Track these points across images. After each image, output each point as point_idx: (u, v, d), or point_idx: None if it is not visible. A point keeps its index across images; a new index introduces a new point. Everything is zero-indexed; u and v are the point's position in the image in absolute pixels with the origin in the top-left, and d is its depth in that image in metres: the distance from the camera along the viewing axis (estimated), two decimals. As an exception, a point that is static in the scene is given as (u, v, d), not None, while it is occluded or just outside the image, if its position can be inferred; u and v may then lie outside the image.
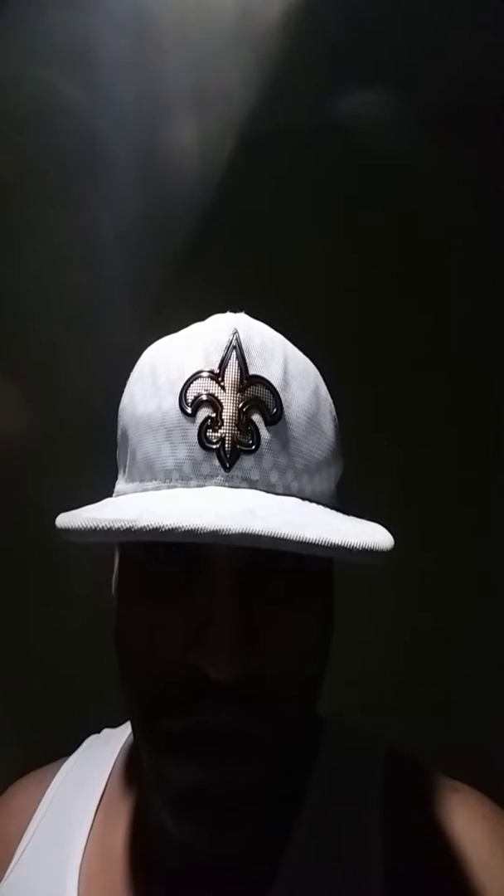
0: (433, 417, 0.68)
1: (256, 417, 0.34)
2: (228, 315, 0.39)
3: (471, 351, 0.68)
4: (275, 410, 0.35)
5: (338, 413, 0.40)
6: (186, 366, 0.35)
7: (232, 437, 0.34)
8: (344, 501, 0.40)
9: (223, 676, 0.32)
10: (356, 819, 0.40)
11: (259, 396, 0.35)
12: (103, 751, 0.49)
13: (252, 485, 0.34)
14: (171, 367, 0.36)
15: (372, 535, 0.32)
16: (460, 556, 0.67)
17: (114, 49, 0.68)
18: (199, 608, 0.33)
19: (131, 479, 0.37)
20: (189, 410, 0.34)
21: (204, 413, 0.34)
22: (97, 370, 0.58)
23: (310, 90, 0.67)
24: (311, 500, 0.35)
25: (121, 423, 0.39)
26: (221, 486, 0.33)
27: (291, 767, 0.37)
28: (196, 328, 0.39)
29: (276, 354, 0.37)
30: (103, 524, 0.30)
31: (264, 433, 0.34)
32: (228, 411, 0.34)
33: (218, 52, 0.67)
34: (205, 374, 0.35)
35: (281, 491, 0.34)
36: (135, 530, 0.29)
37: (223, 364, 0.35)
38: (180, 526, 0.29)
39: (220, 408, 0.34)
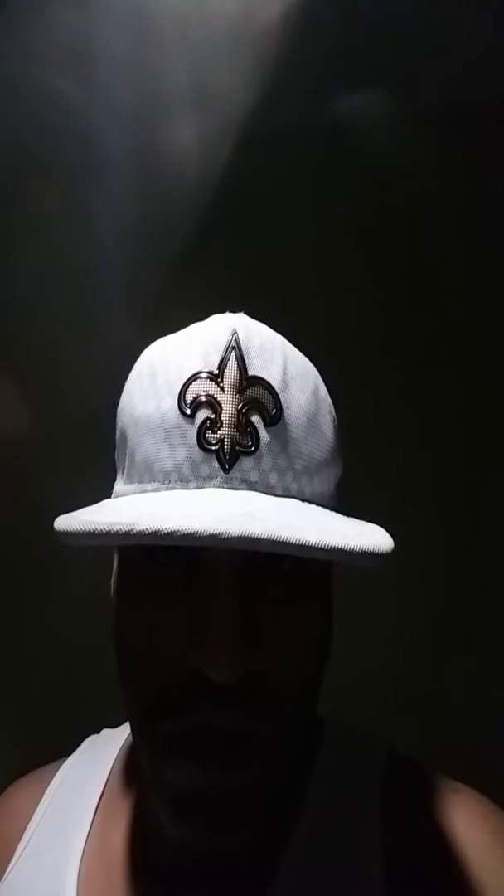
0: (433, 417, 0.68)
1: (256, 418, 0.34)
2: (227, 315, 0.39)
3: (471, 351, 0.68)
4: (274, 411, 0.35)
5: (337, 413, 0.40)
6: (185, 366, 0.35)
7: (231, 438, 0.34)
8: (343, 502, 0.40)
9: (223, 677, 0.32)
10: (356, 819, 0.40)
11: (258, 397, 0.35)
12: (102, 751, 0.49)
13: (251, 486, 0.34)
14: (170, 368, 0.36)
15: (372, 537, 0.32)
16: (460, 557, 0.67)
17: (113, 49, 0.68)
18: (198, 609, 0.33)
19: (130, 480, 0.37)
20: (188, 411, 0.34)
21: (203, 414, 0.34)
22: (97, 370, 0.58)
23: (309, 90, 0.67)
24: (310, 502, 0.35)
25: (119, 424, 0.39)
26: (220, 487, 0.33)
27: (291, 768, 0.37)
28: (195, 328, 0.39)
29: (275, 355, 0.36)
30: (102, 527, 0.30)
31: (263, 434, 0.34)
32: (227, 412, 0.34)
33: (218, 53, 0.67)
34: (204, 375, 0.35)
35: (280, 492, 0.34)
36: (134, 533, 0.29)
37: (222, 365, 0.35)
38: (180, 529, 0.29)
39: (219, 409, 0.34)
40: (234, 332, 0.36)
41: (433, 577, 0.66)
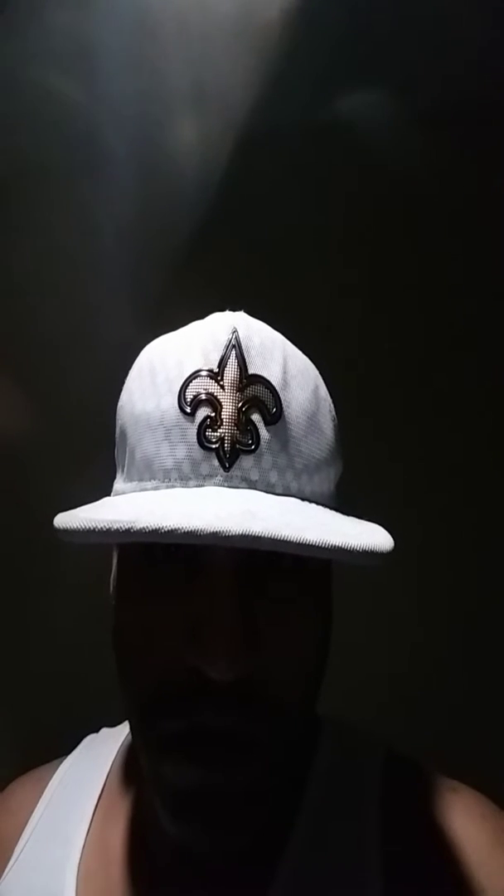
0: (433, 417, 0.68)
1: (256, 417, 0.34)
2: (228, 313, 0.38)
3: (471, 351, 0.68)
4: (274, 410, 0.35)
5: (337, 413, 0.40)
6: (185, 364, 0.35)
7: (231, 436, 0.34)
8: (343, 501, 0.40)
9: (222, 676, 0.32)
10: (355, 819, 0.40)
11: (258, 396, 0.34)
12: (101, 750, 0.49)
13: (251, 485, 0.34)
14: (170, 366, 0.36)
15: (372, 536, 0.32)
16: (460, 557, 0.67)
17: (114, 48, 0.68)
18: (197, 608, 0.33)
19: (130, 478, 0.37)
20: (188, 410, 0.34)
21: (203, 412, 0.34)
22: (97, 368, 0.58)
23: (310, 90, 0.67)
24: (310, 501, 0.35)
25: (119, 422, 0.39)
26: (221, 486, 0.33)
27: (291, 768, 0.37)
28: (195, 326, 0.38)
29: (275, 353, 0.36)
30: (102, 525, 0.30)
31: (264, 433, 0.34)
32: (228, 411, 0.34)
33: (218, 52, 0.67)
34: (204, 373, 0.35)
35: (280, 491, 0.34)
36: (134, 531, 0.29)
37: (222, 363, 0.35)
38: (180, 527, 0.29)
39: (219, 407, 0.34)
40: (235, 331, 0.36)
41: (433, 577, 0.66)
